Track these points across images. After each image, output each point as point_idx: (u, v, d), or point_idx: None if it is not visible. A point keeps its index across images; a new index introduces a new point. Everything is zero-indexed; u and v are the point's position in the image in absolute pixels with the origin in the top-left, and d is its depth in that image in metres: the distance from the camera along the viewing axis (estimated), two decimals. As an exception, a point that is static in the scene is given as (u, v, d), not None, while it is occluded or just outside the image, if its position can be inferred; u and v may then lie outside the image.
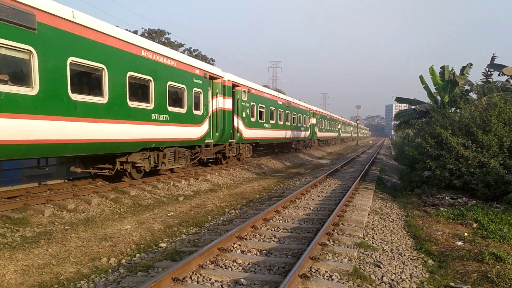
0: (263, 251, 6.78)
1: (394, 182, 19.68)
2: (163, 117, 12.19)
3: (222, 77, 16.77)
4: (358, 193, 12.74)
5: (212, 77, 15.98)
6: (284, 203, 10.40)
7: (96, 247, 7.28)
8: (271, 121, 24.11)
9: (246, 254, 6.63)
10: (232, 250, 6.73)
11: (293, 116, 29.67)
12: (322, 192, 13.05)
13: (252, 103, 20.57)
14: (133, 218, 9.33)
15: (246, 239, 7.37)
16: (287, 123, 27.84)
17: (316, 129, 39.99)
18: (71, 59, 8.59)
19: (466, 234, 8.31)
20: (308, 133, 35.52)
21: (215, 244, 6.48)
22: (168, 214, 9.97)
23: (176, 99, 13.10)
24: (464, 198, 11.95)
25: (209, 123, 15.50)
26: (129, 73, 10.50)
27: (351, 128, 79.31)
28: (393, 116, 32.12)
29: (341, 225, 8.48)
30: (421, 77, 25.99)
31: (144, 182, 12.84)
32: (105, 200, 10.33)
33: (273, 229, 8.23)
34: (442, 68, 24.90)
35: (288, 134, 28.62)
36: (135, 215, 9.69)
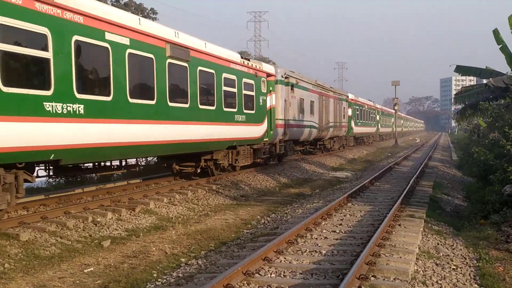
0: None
1: (457, 205, 19.88)
2: (241, 117, 22.45)
3: (275, 75, 27.08)
4: (399, 225, 12.83)
5: (269, 75, 26.24)
6: (279, 244, 10.38)
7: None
8: (311, 116, 34.30)
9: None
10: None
11: (329, 108, 40.03)
12: (340, 225, 13.09)
13: (298, 97, 31.65)
14: (25, 280, 9.19)
15: (216, 307, 7.34)
16: (324, 117, 38.11)
17: (353, 123, 49.20)
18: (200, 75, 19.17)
19: None
20: (345, 128, 46.68)
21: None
22: (86, 270, 9.85)
23: (247, 101, 23.34)
24: None
25: (267, 122, 25.57)
26: (224, 88, 20.98)
27: (401, 121, 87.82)
28: (453, 97, 32.51)
29: (371, 278, 8.53)
30: (495, 33, 26.38)
31: (44, 218, 12.71)
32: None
33: (260, 289, 8.22)
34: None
35: (328, 131, 39.93)
36: (28, 274, 9.53)
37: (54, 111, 11.94)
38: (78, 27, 12.81)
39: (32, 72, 11.70)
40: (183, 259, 10.87)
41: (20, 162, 11.85)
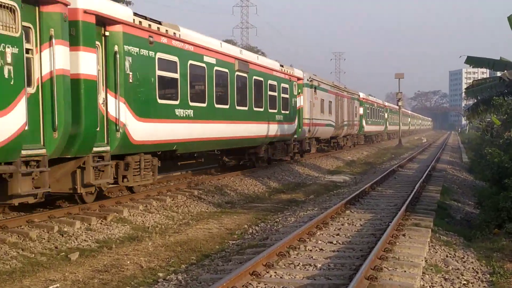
0: None
1: (467, 213, 19.99)
2: (280, 117, 29.15)
3: (303, 79, 34.61)
4: (404, 235, 12.89)
5: (298, 78, 33.54)
6: (268, 257, 10.38)
7: None
8: (329, 115, 42.33)
9: None
10: None
11: (343, 107, 48.23)
12: (338, 235, 13.14)
13: (321, 98, 39.59)
14: (-17, 297, 9.14)
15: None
16: (339, 116, 46.08)
17: (364, 122, 58.20)
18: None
19: None
20: (357, 127, 55.21)
21: None
22: (51, 287, 9.79)
23: (284, 103, 30.28)
24: None
25: (297, 121, 32.61)
26: (269, 92, 28.00)
27: (409, 120, 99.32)
28: (463, 91, 32.67)
29: (373, 295, 8.54)
30: (510, 20, 26.51)
31: (3, 228, 12.62)
32: None
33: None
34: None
35: (343, 130, 47.95)
36: (-14, 290, 9.49)
37: (179, 115, 19.18)
38: (191, 54, 20.14)
39: (170, 89, 19.19)
40: (160, 274, 10.84)
41: (160, 151, 18.83)
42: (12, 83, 11.79)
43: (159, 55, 17.74)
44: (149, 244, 13.15)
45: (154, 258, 11.96)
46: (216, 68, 21.88)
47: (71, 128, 13.67)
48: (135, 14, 17.02)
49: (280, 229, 14.58)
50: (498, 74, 28.23)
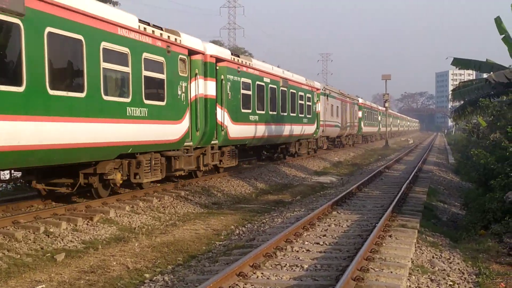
0: None
1: (454, 214, 20.08)
2: (305, 120, 38.03)
3: (319, 89, 43.49)
4: (390, 236, 12.93)
5: (317, 89, 42.79)
6: (255, 258, 10.39)
7: None
8: (336, 118, 51.59)
9: None
10: None
11: (347, 111, 57.48)
12: (325, 236, 13.17)
13: (331, 103, 49.32)
14: (-32, 298, 9.10)
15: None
16: (344, 119, 55.43)
17: (362, 124, 67.64)
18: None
19: None
20: (356, 128, 64.84)
21: None
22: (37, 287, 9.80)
23: (309, 109, 39.23)
24: None
25: (316, 122, 41.24)
26: (299, 101, 37.67)
27: (398, 121, 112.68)
28: (450, 93, 32.78)
29: (360, 295, 8.56)
30: (497, 21, 26.64)
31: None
32: None
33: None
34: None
35: (346, 130, 57.24)
36: (-29, 291, 9.44)
37: (250, 120, 27.29)
38: (257, 77, 28.57)
39: (247, 102, 27.15)
40: (147, 275, 10.83)
41: (240, 144, 27.00)
42: (184, 103, 20.07)
43: (242, 79, 26.04)
44: (136, 245, 13.13)
45: (141, 259, 11.94)
46: (270, 85, 30.24)
47: (204, 129, 21.58)
48: (232, 53, 25.79)
49: (267, 230, 14.58)
50: (485, 76, 28.33)
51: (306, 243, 12.36)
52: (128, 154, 16.95)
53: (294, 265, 10.46)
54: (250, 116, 26.89)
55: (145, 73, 17.33)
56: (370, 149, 62.01)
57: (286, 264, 10.48)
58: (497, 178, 15.67)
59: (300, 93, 36.95)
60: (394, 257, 10.89)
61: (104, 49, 15.11)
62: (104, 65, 15.14)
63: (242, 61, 26.28)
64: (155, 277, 10.59)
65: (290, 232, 12.74)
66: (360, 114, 66.65)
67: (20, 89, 12.10)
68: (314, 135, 41.58)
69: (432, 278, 10.08)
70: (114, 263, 11.52)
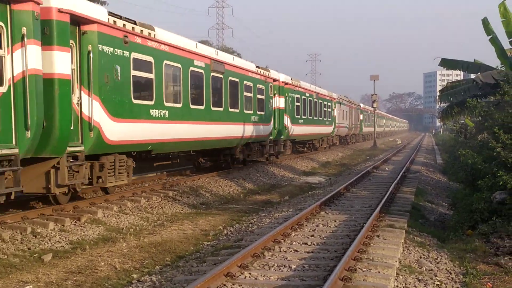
0: None
1: (441, 214, 20.17)
2: (327, 121, 51.79)
3: (336, 98, 57.21)
4: (378, 236, 12.97)
5: (334, 98, 56.56)
6: (243, 258, 10.40)
7: None
8: (345, 120, 64.59)
9: None
10: None
11: (352, 115, 70.41)
12: (312, 236, 13.18)
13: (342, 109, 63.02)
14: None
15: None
16: (350, 121, 68.27)
17: (362, 125, 79.85)
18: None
19: None
20: (359, 128, 77.23)
21: None
22: (24, 288, 9.75)
23: (327, 113, 51.71)
24: None
25: (333, 124, 54.95)
26: (324, 108, 51.41)
27: (383, 121, 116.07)
28: (438, 94, 32.89)
29: (347, 295, 8.58)
30: (485, 22, 26.75)
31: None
32: None
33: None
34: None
35: (352, 130, 70.06)
36: (-42, 292, 9.40)
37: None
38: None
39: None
40: (135, 275, 10.82)
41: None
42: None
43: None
44: (123, 245, 13.11)
45: (128, 260, 11.92)
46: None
47: None
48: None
49: (255, 230, 14.61)
50: (472, 76, 28.44)
51: (294, 243, 12.38)
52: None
53: (282, 265, 10.47)
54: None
55: (258, 96, 29.86)
56: (358, 150, 62.23)
57: (274, 264, 10.49)
58: (484, 178, 15.71)
59: (324, 102, 48.81)
60: (381, 257, 10.92)
61: (244, 84, 27.69)
62: (244, 93, 27.69)
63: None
64: (142, 278, 10.58)
65: (278, 232, 12.75)
66: (361, 117, 78.50)
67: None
68: (332, 134, 53.65)
69: (420, 278, 10.12)
70: (102, 263, 11.50)
